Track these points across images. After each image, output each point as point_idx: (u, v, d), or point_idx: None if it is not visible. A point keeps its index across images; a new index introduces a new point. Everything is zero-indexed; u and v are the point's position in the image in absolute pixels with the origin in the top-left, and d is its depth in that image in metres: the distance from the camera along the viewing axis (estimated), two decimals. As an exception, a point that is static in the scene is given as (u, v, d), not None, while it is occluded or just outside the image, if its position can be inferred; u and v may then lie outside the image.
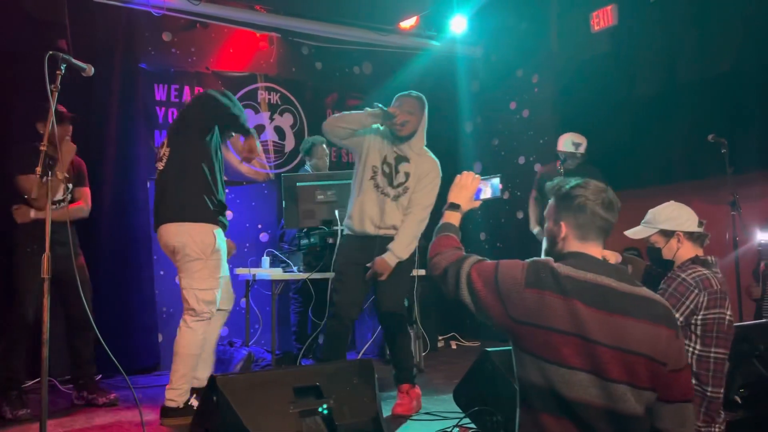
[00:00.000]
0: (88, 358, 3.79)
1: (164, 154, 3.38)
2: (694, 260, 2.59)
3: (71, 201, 3.82)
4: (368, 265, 3.48)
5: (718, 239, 3.74)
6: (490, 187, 2.28)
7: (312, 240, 4.32)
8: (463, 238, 2.14)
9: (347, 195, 4.10)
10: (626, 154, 5.48)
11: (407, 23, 6.19)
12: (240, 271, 4.41)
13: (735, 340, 2.61)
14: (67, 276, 3.33)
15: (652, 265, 2.81)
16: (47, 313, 2.31)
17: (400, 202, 3.53)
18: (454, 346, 6.14)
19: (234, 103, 3.40)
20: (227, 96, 3.41)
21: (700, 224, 2.67)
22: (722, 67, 4.79)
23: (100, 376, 4.36)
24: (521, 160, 6.35)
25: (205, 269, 3.29)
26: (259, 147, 3.46)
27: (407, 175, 3.54)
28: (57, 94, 2.47)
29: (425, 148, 3.61)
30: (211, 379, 2.24)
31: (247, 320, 4.62)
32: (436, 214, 2.57)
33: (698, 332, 2.50)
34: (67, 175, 3.75)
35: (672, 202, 2.75)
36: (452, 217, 2.11)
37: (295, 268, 4.41)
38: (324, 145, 5.05)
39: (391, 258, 3.45)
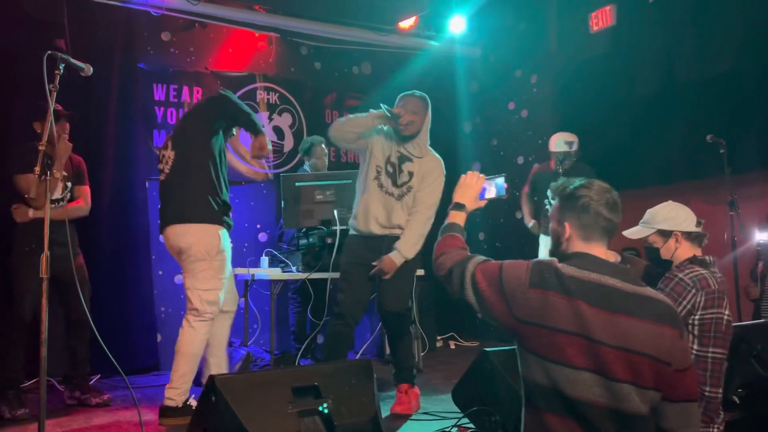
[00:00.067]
0: (83, 358, 3.79)
1: (169, 157, 3.38)
2: (692, 260, 2.60)
3: (71, 200, 3.82)
4: (374, 263, 3.49)
5: (716, 239, 3.75)
6: (494, 187, 2.28)
7: (311, 240, 4.32)
8: (462, 238, 2.14)
9: (346, 195, 4.10)
10: (625, 154, 5.48)
11: (406, 23, 6.19)
12: (239, 271, 4.41)
13: (733, 341, 2.61)
14: (66, 276, 3.33)
15: (651, 264, 2.82)
16: (45, 313, 2.31)
17: (404, 202, 3.54)
18: (452, 346, 6.15)
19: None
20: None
21: (699, 224, 2.67)
22: (721, 68, 4.79)
23: (99, 375, 4.37)
24: (520, 160, 6.36)
25: (210, 269, 3.30)
26: (270, 145, 3.49)
27: (411, 174, 3.55)
28: (56, 93, 2.46)
29: (429, 147, 3.63)
30: (210, 379, 2.24)
31: (246, 320, 4.62)
32: (441, 213, 2.58)
33: (696, 332, 2.50)
34: (65, 174, 3.76)
35: (670, 202, 2.75)
36: (457, 217, 2.12)
37: (293, 268, 4.41)
38: (323, 145, 5.05)
39: (397, 257, 3.46)
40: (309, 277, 4.21)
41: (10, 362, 3.55)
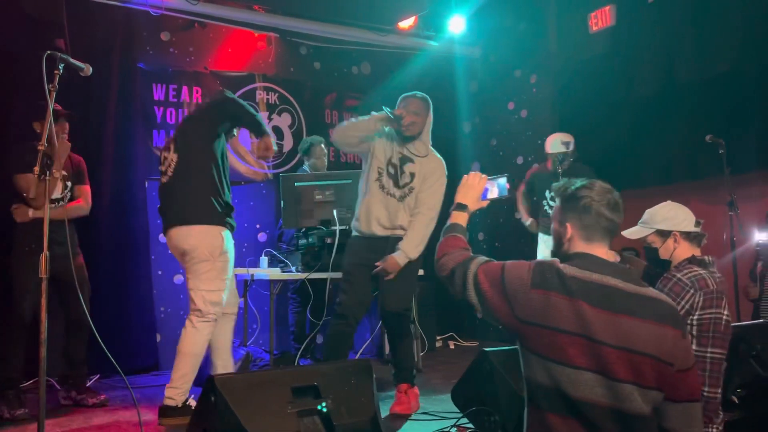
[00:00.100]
0: (81, 358, 3.79)
1: (171, 160, 3.39)
2: (691, 260, 2.60)
3: (71, 199, 3.82)
4: (377, 264, 3.49)
5: (715, 239, 3.75)
6: (497, 187, 2.29)
7: (310, 240, 4.32)
8: (461, 238, 2.14)
9: (346, 195, 4.11)
10: (624, 154, 5.49)
11: (406, 23, 6.19)
12: (238, 271, 4.40)
13: (732, 341, 2.61)
14: (66, 276, 3.33)
15: (650, 264, 2.82)
16: (45, 313, 2.31)
17: (406, 203, 3.56)
18: (452, 346, 6.15)
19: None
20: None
21: (698, 224, 2.66)
22: (720, 68, 4.79)
23: (98, 375, 4.37)
24: (519, 160, 6.36)
25: (213, 270, 3.32)
26: (275, 146, 3.49)
27: (412, 175, 3.56)
28: (55, 93, 2.46)
29: (431, 147, 3.65)
30: (209, 379, 2.24)
31: (245, 320, 4.62)
32: (444, 213, 2.58)
33: (694, 332, 2.50)
34: (65, 173, 3.76)
35: (669, 202, 2.75)
36: (459, 218, 2.12)
37: (293, 268, 4.41)
38: (322, 145, 5.05)
39: (401, 257, 3.47)
40: (308, 277, 4.21)
41: (10, 362, 3.55)
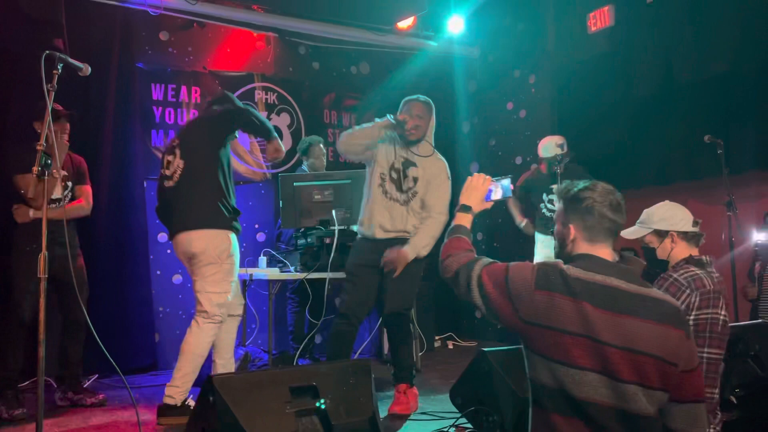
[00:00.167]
0: (77, 359, 3.79)
1: (177, 166, 3.42)
2: (688, 260, 2.59)
3: (72, 199, 3.82)
4: (384, 258, 3.50)
5: (714, 240, 3.76)
6: (500, 188, 2.30)
7: (309, 240, 4.32)
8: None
9: (345, 195, 4.12)
10: (623, 154, 5.49)
11: (404, 23, 6.19)
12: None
13: (731, 341, 2.61)
14: (65, 276, 3.33)
15: (648, 264, 2.82)
16: (43, 313, 2.31)
17: (410, 207, 3.58)
18: (450, 346, 6.15)
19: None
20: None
21: (695, 224, 2.66)
22: (718, 68, 4.80)
23: (97, 375, 4.37)
24: (518, 160, 6.36)
25: (219, 273, 3.37)
26: (282, 147, 3.60)
27: (416, 179, 3.60)
28: (54, 93, 2.46)
29: (434, 149, 3.68)
30: (208, 379, 2.24)
31: (244, 320, 4.62)
32: (449, 214, 2.58)
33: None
34: (65, 173, 3.77)
35: (667, 201, 2.75)
36: (463, 219, 2.14)
37: (292, 268, 4.41)
38: (321, 145, 5.06)
39: (410, 250, 3.49)
40: (307, 277, 4.21)
41: (9, 362, 3.55)
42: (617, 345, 1.64)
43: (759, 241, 4.51)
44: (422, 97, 3.64)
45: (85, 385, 3.89)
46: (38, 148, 2.43)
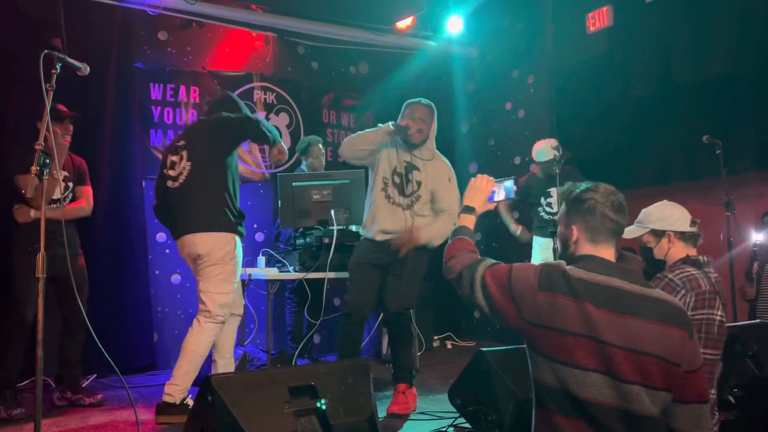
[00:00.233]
0: (76, 359, 3.79)
1: (184, 168, 3.45)
2: (685, 260, 2.59)
3: (72, 200, 3.82)
4: (395, 239, 3.53)
5: (712, 240, 3.76)
6: (503, 190, 2.32)
7: (308, 240, 4.32)
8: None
9: (343, 194, 4.13)
10: (621, 154, 5.49)
11: (403, 23, 6.19)
12: (236, 270, 4.41)
13: (729, 341, 2.61)
14: (66, 276, 3.32)
15: (646, 264, 2.81)
16: (42, 313, 2.31)
17: (413, 211, 3.59)
18: (449, 346, 6.15)
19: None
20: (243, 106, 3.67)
21: (694, 224, 2.66)
22: (717, 68, 4.80)
23: (95, 375, 4.36)
24: (517, 160, 6.36)
25: (223, 273, 3.42)
26: (285, 149, 3.70)
27: (419, 183, 3.62)
28: (52, 93, 2.46)
29: (436, 151, 3.71)
30: (207, 379, 2.24)
31: (243, 320, 4.61)
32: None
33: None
34: (66, 174, 3.77)
35: (665, 201, 2.75)
36: (467, 220, 2.15)
37: (290, 268, 4.41)
38: (320, 145, 5.06)
39: (423, 235, 3.52)
40: (306, 277, 4.21)
41: (8, 362, 3.54)
42: (620, 345, 1.65)
43: (757, 242, 4.52)
44: (424, 100, 3.66)
45: (83, 385, 3.88)
46: (36, 147, 2.43)
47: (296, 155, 5.33)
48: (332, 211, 4.02)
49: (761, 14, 4.55)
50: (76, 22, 4.70)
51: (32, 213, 3.58)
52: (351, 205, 4.11)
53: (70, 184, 3.83)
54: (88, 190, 3.93)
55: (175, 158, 3.51)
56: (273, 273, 4.32)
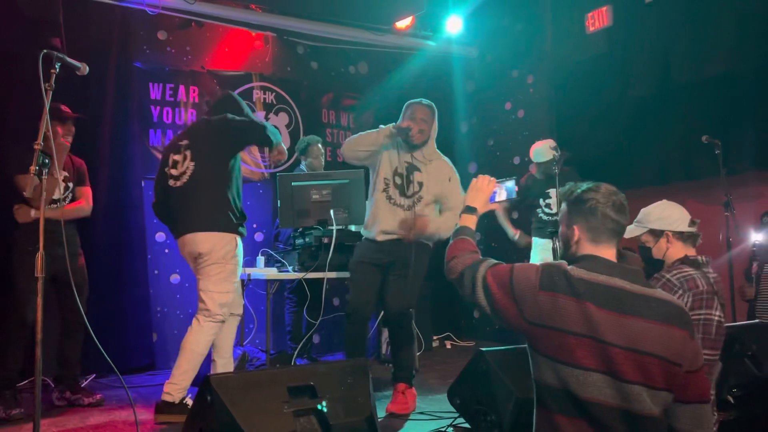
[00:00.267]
0: (75, 359, 3.79)
1: (188, 167, 3.46)
2: (683, 260, 2.59)
3: (72, 200, 3.82)
4: (400, 225, 3.55)
5: (711, 240, 3.76)
6: (505, 190, 2.32)
7: (307, 240, 4.32)
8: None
9: (343, 194, 4.13)
10: (621, 154, 5.50)
11: (403, 23, 6.19)
12: (235, 270, 4.40)
13: (728, 341, 2.61)
14: (67, 276, 3.32)
15: (644, 264, 2.81)
16: (41, 312, 2.30)
17: (414, 212, 3.59)
18: (448, 346, 6.15)
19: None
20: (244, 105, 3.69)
21: (693, 224, 2.66)
22: (717, 69, 4.81)
23: (94, 375, 4.36)
24: (516, 160, 6.36)
25: (223, 273, 3.43)
26: (285, 149, 3.73)
27: (421, 184, 3.63)
28: (51, 92, 2.46)
29: (437, 151, 3.71)
30: (206, 379, 2.24)
31: (242, 320, 4.61)
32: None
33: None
34: (66, 174, 3.77)
35: (664, 201, 2.75)
36: (468, 221, 2.16)
37: (290, 268, 4.41)
38: (319, 145, 5.05)
39: (431, 224, 3.53)
40: (305, 277, 4.21)
41: (8, 362, 3.54)
42: (621, 345, 1.65)
43: (756, 242, 4.52)
44: (425, 101, 3.66)
45: (82, 385, 3.88)
46: (35, 147, 2.43)
47: (295, 155, 5.33)
48: (331, 211, 4.02)
49: (760, 14, 4.56)
50: (76, 22, 4.70)
51: (32, 213, 3.58)
52: (350, 205, 4.11)
53: (70, 185, 3.83)
54: (87, 191, 3.94)
55: (177, 157, 3.51)
56: (272, 273, 4.31)
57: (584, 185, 1.88)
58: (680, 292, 2.47)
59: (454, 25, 6.36)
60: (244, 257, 4.91)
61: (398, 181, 3.63)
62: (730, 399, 2.82)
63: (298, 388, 2.34)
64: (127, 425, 3.32)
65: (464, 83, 6.86)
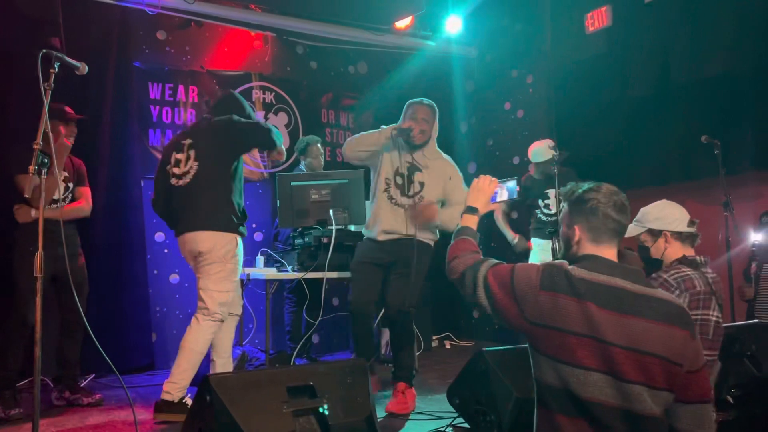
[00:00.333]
0: (74, 359, 3.79)
1: (191, 167, 3.48)
2: (681, 260, 2.59)
3: (72, 201, 3.82)
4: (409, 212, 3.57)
5: (711, 240, 3.76)
6: (506, 190, 2.32)
7: (306, 239, 4.32)
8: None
9: (342, 194, 4.13)
10: (620, 154, 5.50)
11: (402, 23, 6.19)
12: (235, 270, 4.40)
13: (726, 341, 2.61)
14: (66, 276, 3.32)
15: (643, 263, 2.81)
16: (40, 312, 2.30)
17: (421, 198, 3.58)
18: (448, 346, 6.15)
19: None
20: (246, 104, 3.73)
21: (692, 224, 2.66)
22: (716, 69, 4.81)
23: (93, 375, 4.36)
24: (516, 160, 6.36)
25: (223, 272, 3.44)
26: (284, 150, 3.77)
27: (422, 184, 3.63)
28: (51, 92, 2.46)
29: (438, 150, 3.72)
30: (205, 379, 2.24)
31: (241, 319, 4.61)
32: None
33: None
34: (66, 175, 3.77)
35: (663, 200, 2.75)
36: (470, 221, 2.16)
37: (289, 268, 4.41)
38: (319, 145, 5.05)
39: (441, 212, 3.54)
40: (304, 277, 4.21)
41: (9, 362, 3.54)
42: (622, 345, 1.65)
43: (756, 242, 4.53)
44: (426, 100, 3.66)
45: (81, 385, 3.88)
46: (35, 146, 2.43)
47: (295, 155, 5.33)
48: (331, 211, 4.02)
49: (760, 14, 4.56)
50: (75, 22, 4.70)
51: (33, 213, 3.58)
52: (350, 204, 4.11)
53: (70, 185, 3.84)
54: (87, 191, 3.94)
55: (180, 156, 3.51)
56: (271, 273, 4.31)
57: (585, 185, 1.88)
58: (677, 292, 2.47)
59: (453, 25, 6.37)
60: (243, 257, 4.93)
61: (399, 181, 3.63)
62: (730, 399, 2.82)
63: (297, 388, 2.34)
64: (126, 425, 3.32)
65: (464, 83, 6.87)
